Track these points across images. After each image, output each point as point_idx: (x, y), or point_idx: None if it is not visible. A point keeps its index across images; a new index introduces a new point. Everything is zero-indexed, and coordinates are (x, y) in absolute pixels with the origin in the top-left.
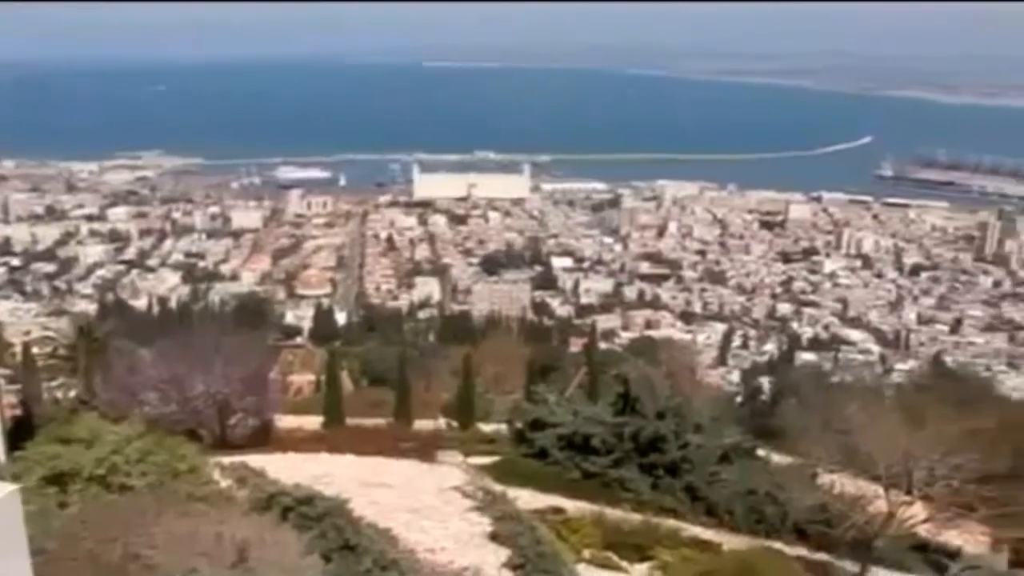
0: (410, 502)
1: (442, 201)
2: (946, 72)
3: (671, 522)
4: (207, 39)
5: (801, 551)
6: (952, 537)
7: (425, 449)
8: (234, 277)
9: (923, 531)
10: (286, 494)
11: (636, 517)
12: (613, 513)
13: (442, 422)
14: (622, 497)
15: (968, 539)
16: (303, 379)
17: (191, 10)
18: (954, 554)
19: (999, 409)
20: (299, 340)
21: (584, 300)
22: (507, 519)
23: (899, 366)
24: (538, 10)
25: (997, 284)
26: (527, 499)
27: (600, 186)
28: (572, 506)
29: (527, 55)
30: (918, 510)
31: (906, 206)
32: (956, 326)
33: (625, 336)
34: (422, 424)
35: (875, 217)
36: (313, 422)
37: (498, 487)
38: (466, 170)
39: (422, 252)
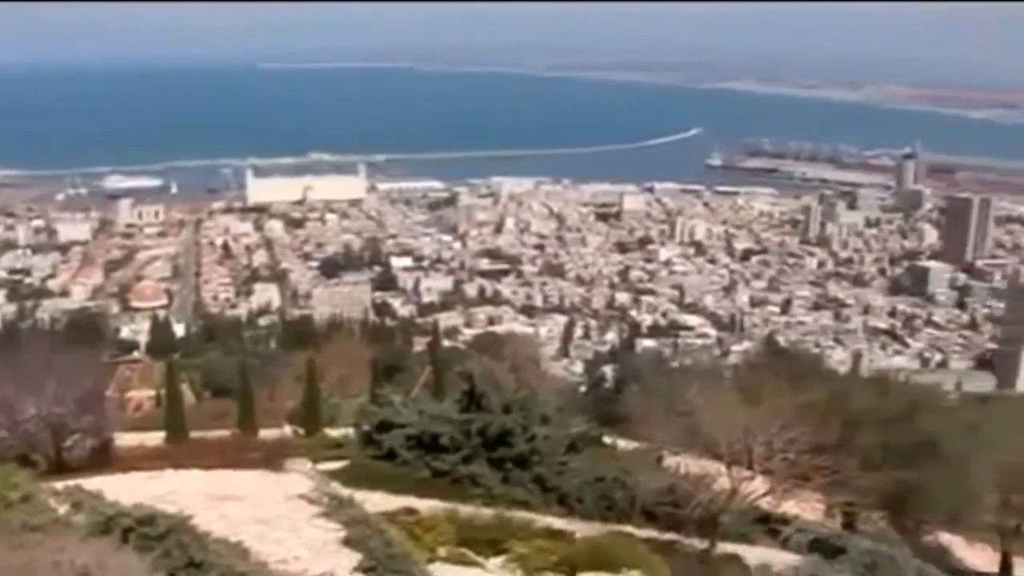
0: (260, 513)
1: (278, 205)
2: (767, 66)
3: (523, 514)
4: (25, 42)
5: (651, 533)
6: (790, 507)
7: (272, 458)
8: (64, 293)
9: (764, 503)
10: (126, 515)
11: (488, 512)
12: (465, 509)
13: (288, 430)
14: (473, 493)
15: (805, 507)
16: (142, 395)
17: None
18: (790, 522)
19: (828, 383)
20: (136, 355)
21: (425, 299)
22: (356, 523)
23: (735, 347)
24: (373, 10)
25: (821, 265)
26: (379, 502)
27: (437, 184)
28: (424, 505)
29: (363, 55)
30: (759, 484)
31: (735, 193)
32: (786, 306)
33: (468, 333)
34: (268, 433)
35: (706, 205)
36: (155, 438)
37: (348, 491)
38: (301, 173)
39: (259, 258)
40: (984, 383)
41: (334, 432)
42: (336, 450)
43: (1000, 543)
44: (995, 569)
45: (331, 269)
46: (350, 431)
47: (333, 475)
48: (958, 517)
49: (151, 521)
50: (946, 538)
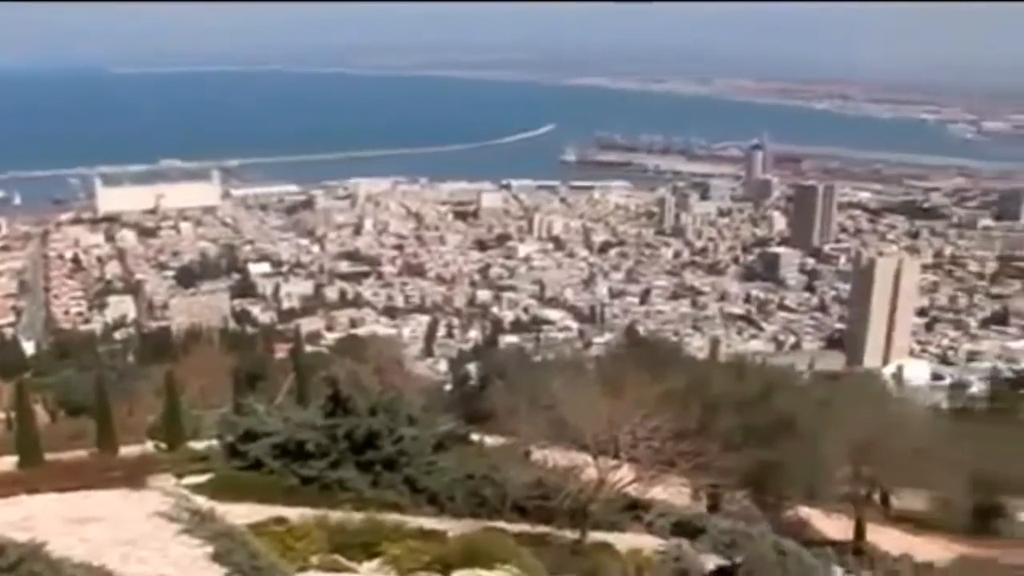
0: (123, 534)
1: (129, 215)
2: (617, 62)
3: (395, 516)
4: None
5: (523, 527)
6: (658, 493)
7: (134, 476)
8: None
9: (632, 491)
10: None
11: (359, 516)
12: (336, 515)
13: (150, 445)
14: (343, 498)
15: (672, 492)
16: None
17: None
18: (658, 508)
19: (687, 370)
20: None
21: (286, 304)
22: (220, 537)
23: (597, 339)
24: (223, 12)
25: (677, 255)
26: (247, 513)
27: (293, 188)
28: (294, 514)
29: (215, 59)
30: (625, 472)
31: (591, 188)
32: (645, 296)
33: (331, 337)
34: (128, 450)
35: (563, 200)
36: (7, 463)
37: (213, 505)
38: (153, 180)
39: (112, 270)
40: (834, 362)
41: (198, 445)
42: (201, 463)
43: (854, 512)
44: (850, 536)
45: (188, 278)
46: (214, 443)
47: (199, 489)
48: (815, 490)
49: (1, 551)
50: (805, 511)
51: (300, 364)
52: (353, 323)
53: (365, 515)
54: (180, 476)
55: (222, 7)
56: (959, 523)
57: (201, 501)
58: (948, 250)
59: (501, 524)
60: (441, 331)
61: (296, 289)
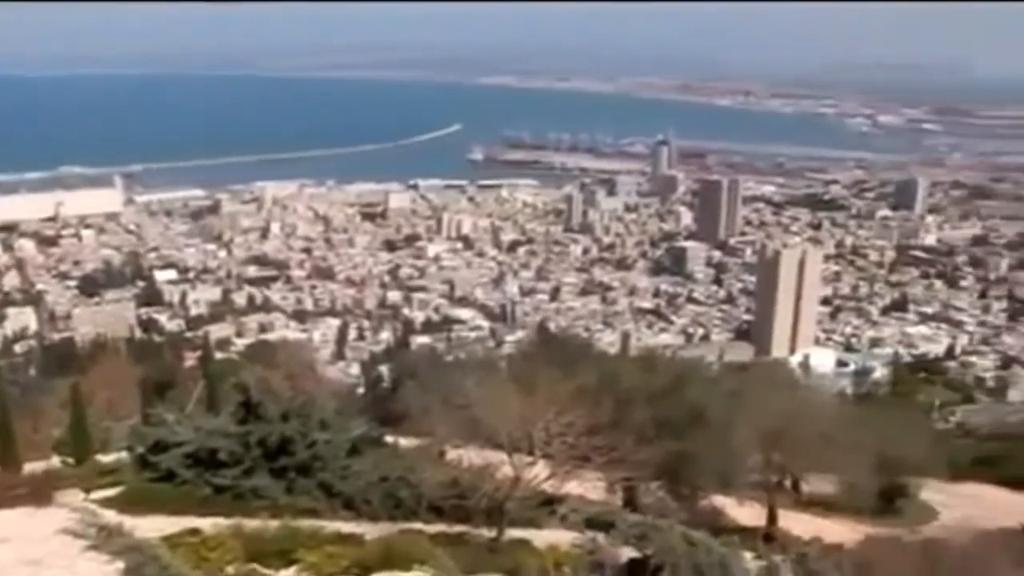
0: (29, 553)
1: (27, 223)
2: (521, 60)
3: (311, 522)
4: None
5: (440, 527)
6: (573, 488)
7: (40, 493)
8: None
9: (547, 487)
10: None
11: (275, 523)
12: (251, 523)
13: (56, 461)
14: (258, 506)
15: (587, 487)
16: None
17: None
18: (572, 504)
19: (599, 365)
20: None
21: (193, 311)
22: (129, 552)
23: (508, 337)
24: (110, 14)
25: (586, 251)
26: (159, 526)
27: (198, 193)
28: (208, 524)
29: (119, 61)
30: (540, 469)
31: (498, 186)
32: (555, 294)
33: (240, 343)
34: (34, 467)
35: (471, 199)
36: None
37: (122, 519)
38: (51, 187)
39: (10, 280)
40: (743, 352)
41: (106, 458)
42: (110, 477)
43: (766, 499)
44: (763, 522)
45: (91, 287)
46: (123, 455)
47: (108, 503)
48: (727, 479)
49: None
50: (719, 500)
51: (210, 371)
52: (263, 328)
53: (281, 522)
54: (88, 491)
55: (127, 7)
56: (865, 505)
57: (110, 516)
58: (849, 240)
59: (418, 525)
60: (352, 334)
61: (203, 295)
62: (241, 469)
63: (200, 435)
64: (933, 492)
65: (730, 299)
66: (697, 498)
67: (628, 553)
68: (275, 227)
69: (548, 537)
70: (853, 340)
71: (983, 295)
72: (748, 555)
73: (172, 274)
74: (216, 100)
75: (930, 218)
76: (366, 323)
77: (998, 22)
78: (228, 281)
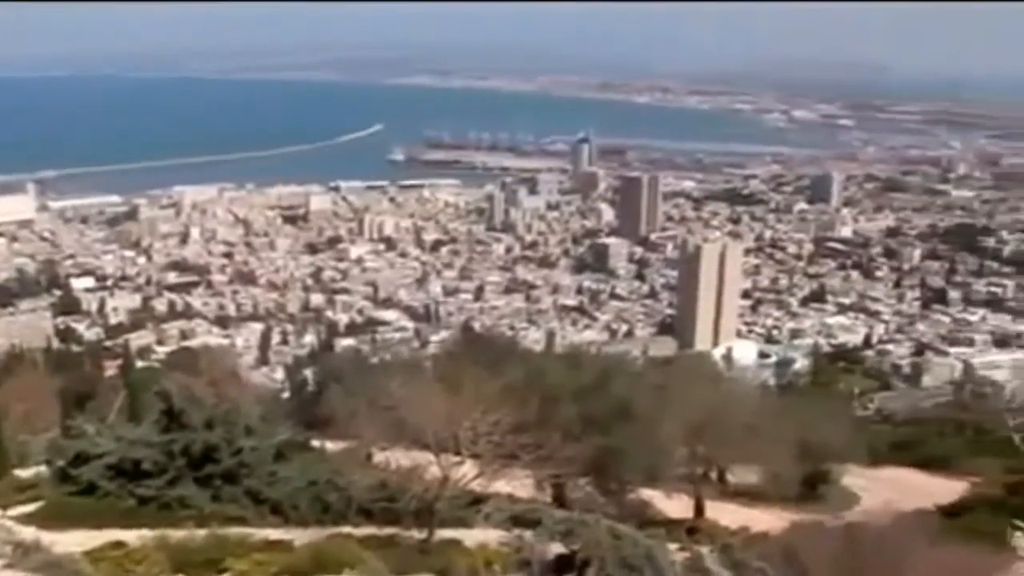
0: None
1: None
2: (438, 59)
3: (239, 530)
4: None
5: (370, 530)
6: (502, 486)
7: None
8: None
9: (476, 486)
10: None
11: (202, 533)
12: (177, 534)
13: None
14: (184, 516)
15: (516, 485)
16: None
17: None
18: (501, 502)
19: (524, 363)
20: None
21: (112, 320)
22: (48, 568)
23: (433, 338)
24: (44, 12)
25: (509, 250)
26: (82, 540)
27: (115, 199)
28: (133, 536)
29: (30, 63)
30: (468, 468)
31: (420, 187)
32: (479, 293)
33: (161, 351)
34: None
35: (392, 200)
36: None
37: (40, 535)
38: None
39: None
40: (667, 347)
41: (25, 473)
42: (29, 492)
43: (692, 490)
44: (691, 514)
45: (4, 297)
46: (43, 469)
47: (27, 519)
48: (654, 473)
49: None
50: (647, 494)
51: (131, 381)
52: (184, 335)
53: (208, 531)
54: (5, 507)
55: (46, 7)
56: (790, 493)
57: (28, 532)
58: (768, 234)
59: (347, 529)
60: (276, 338)
61: (123, 303)
62: (165, 479)
63: (122, 446)
64: (854, 477)
65: (653, 294)
66: (625, 492)
67: (555, 549)
68: (195, 232)
69: (478, 536)
70: (774, 332)
71: (897, 285)
72: (674, 547)
73: (89, 282)
74: (131, 103)
75: (845, 211)
76: (289, 327)
77: (905, 21)
78: (148, 288)
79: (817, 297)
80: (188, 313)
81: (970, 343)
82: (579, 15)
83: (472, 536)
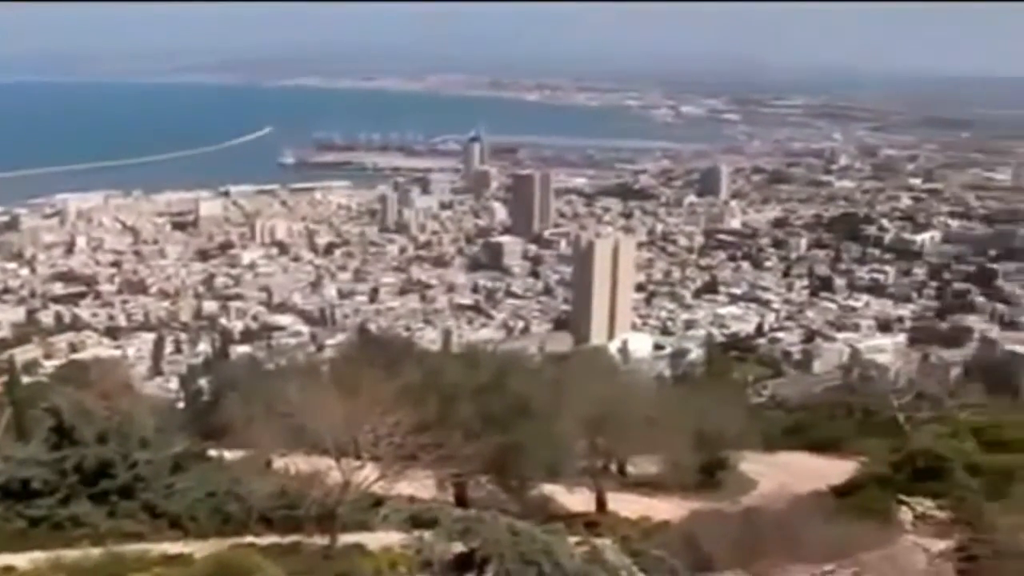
0: None
1: None
2: (325, 60)
3: (137, 546)
4: None
5: (272, 538)
6: (404, 488)
7: None
8: None
9: (378, 489)
10: None
11: (97, 551)
12: (72, 554)
13: None
14: (78, 535)
15: (418, 486)
16: None
17: None
18: (403, 503)
19: (422, 363)
20: None
21: None
22: None
23: (329, 341)
24: None
25: (403, 251)
26: None
27: None
28: (24, 560)
29: None
30: (370, 471)
31: (312, 189)
32: (374, 294)
33: (49, 365)
34: None
35: (284, 204)
36: None
37: None
38: None
39: None
40: (563, 342)
41: None
42: None
43: (593, 484)
44: (593, 507)
45: None
46: None
47: None
48: (555, 467)
49: None
50: (549, 489)
51: (17, 397)
52: (73, 348)
53: (104, 549)
54: None
55: None
56: (689, 481)
57: None
58: (659, 227)
59: (249, 539)
60: (169, 347)
61: (6, 316)
62: (57, 498)
63: (9, 465)
64: (750, 463)
65: (548, 291)
66: (526, 488)
67: (456, 549)
68: (80, 241)
69: (382, 539)
70: (668, 324)
71: (786, 274)
72: (574, 540)
73: None
74: (9, 108)
75: (734, 203)
76: (182, 336)
77: (782, 17)
78: (32, 300)
79: (709, 288)
80: (76, 325)
81: (856, 328)
82: (466, 14)
83: (376, 539)
